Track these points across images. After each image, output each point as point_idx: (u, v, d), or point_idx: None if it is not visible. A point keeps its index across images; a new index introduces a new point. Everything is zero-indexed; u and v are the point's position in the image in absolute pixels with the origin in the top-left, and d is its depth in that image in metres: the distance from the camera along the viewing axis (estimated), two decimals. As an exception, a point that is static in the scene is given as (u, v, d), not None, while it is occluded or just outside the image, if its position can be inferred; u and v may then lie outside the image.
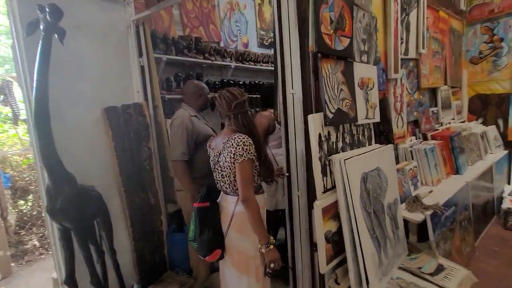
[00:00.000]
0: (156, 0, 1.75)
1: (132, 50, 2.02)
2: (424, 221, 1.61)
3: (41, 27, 1.20)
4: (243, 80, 3.62)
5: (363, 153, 1.39)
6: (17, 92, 2.73)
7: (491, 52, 3.10)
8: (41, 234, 3.05)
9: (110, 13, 1.90)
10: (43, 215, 3.19)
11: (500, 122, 3.11)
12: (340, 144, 1.42)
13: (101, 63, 1.86)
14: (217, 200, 1.41)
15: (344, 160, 1.27)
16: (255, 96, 3.38)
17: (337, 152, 1.40)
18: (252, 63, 3.74)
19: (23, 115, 2.86)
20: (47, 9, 1.14)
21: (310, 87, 1.38)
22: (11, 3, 1.51)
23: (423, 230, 1.71)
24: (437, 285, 1.33)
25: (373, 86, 1.58)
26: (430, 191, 1.91)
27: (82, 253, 1.47)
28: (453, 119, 3.02)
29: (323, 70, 1.26)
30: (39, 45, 1.22)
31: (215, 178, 1.40)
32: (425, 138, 2.43)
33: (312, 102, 1.38)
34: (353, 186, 1.28)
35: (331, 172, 1.37)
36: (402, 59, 2.08)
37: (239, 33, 3.80)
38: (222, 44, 3.52)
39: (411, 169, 1.95)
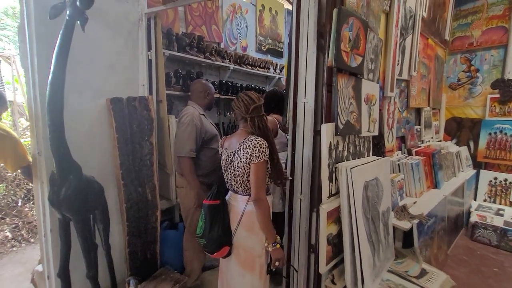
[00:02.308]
0: (175, -3, 1.76)
1: (141, 43, 2.00)
2: (410, 229, 1.76)
3: (68, 12, 1.18)
4: (240, 82, 3.68)
5: (366, 163, 1.51)
6: (4, 72, 2.56)
7: (468, 80, 3.44)
8: (14, 225, 2.86)
9: (124, 3, 1.88)
10: (14, 204, 2.99)
11: (471, 144, 3.44)
12: (345, 153, 1.53)
13: (110, 53, 1.83)
14: (226, 199, 1.45)
15: (351, 168, 1.37)
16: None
17: (342, 161, 1.51)
18: (250, 67, 3.81)
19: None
20: (78, -4, 1.13)
21: (322, 98, 1.48)
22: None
23: (406, 237, 1.87)
24: (422, 287, 1.47)
25: (375, 102, 1.72)
26: (415, 202, 2.08)
27: (81, 245, 1.43)
28: (432, 137, 3.29)
29: (338, 84, 1.36)
30: (62, 30, 1.20)
31: (225, 177, 1.44)
32: (409, 153, 2.63)
33: (323, 112, 1.48)
34: (357, 193, 1.39)
35: (336, 178, 1.47)
36: (396, 80, 2.26)
37: (239, 36, 3.87)
38: (222, 45, 3.56)
39: (398, 181, 2.12)
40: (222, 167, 1.45)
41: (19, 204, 2.94)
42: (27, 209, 2.99)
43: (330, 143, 1.39)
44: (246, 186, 1.35)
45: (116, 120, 1.80)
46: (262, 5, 4.23)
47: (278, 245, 1.33)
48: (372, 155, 1.90)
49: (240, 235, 1.36)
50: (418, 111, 2.97)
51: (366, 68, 1.59)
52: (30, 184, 3.02)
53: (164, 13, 2.78)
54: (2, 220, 2.85)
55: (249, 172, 1.31)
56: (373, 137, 1.93)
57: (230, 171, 1.39)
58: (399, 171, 2.25)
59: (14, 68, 2.80)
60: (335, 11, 1.30)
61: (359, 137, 1.66)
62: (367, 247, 1.41)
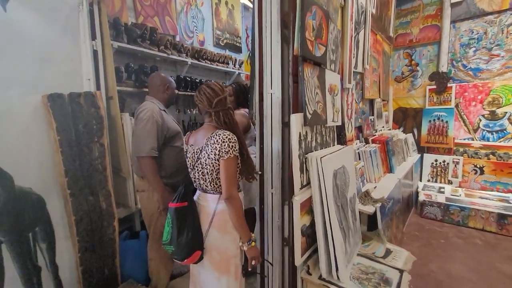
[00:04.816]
0: (121, -21, 1.56)
1: (83, 30, 1.74)
2: (374, 213, 1.86)
3: (-20, -16, 0.94)
4: (199, 78, 3.52)
5: (333, 152, 1.54)
6: None
7: (410, 73, 3.80)
8: None
9: (57, -17, 1.61)
10: None
11: (415, 131, 3.82)
12: (313, 144, 1.53)
13: (44, 41, 1.55)
14: (194, 199, 1.34)
15: (320, 158, 1.38)
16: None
17: (311, 151, 1.51)
18: (208, 62, 3.67)
19: None
20: (-6, -36, 0.91)
21: (288, 88, 1.46)
22: None
23: (370, 220, 1.98)
24: (389, 265, 1.55)
25: (337, 93, 1.76)
26: (375, 187, 2.21)
27: (18, 271, 1.19)
28: (383, 127, 3.57)
29: (305, 73, 1.35)
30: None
31: (192, 176, 1.33)
32: (366, 141, 2.80)
33: (290, 103, 1.46)
34: (327, 182, 1.40)
35: (306, 169, 1.46)
36: (353, 72, 2.36)
37: (196, 29, 3.69)
38: (178, 39, 3.35)
39: (360, 168, 2.23)
40: (188, 166, 1.34)
41: None
42: None
43: (300, 133, 1.37)
44: (216, 184, 1.27)
45: (57, 120, 1.54)
46: (218, -2, 4.09)
47: (253, 243, 1.27)
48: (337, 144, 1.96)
49: (213, 236, 1.27)
50: (371, 102, 3.17)
51: (329, 59, 1.62)
52: None
53: (110, 0, 2.49)
54: None
55: (219, 169, 1.23)
56: (336, 127, 1.99)
57: (197, 169, 1.29)
58: (359, 159, 2.37)
59: None
60: (298, -2, 1.27)
61: (325, 127, 1.69)
62: (339, 234, 1.44)
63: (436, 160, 3.61)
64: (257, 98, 1.55)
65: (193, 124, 3.43)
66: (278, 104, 1.45)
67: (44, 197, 1.49)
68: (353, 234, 1.67)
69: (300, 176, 1.42)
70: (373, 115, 3.20)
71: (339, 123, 1.84)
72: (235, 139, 1.23)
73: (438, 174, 3.59)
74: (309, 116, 1.39)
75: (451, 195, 3.15)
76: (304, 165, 1.45)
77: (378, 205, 1.85)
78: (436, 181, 3.61)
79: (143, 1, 2.91)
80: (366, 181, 2.37)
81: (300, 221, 1.38)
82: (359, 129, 2.83)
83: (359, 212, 1.85)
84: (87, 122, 1.68)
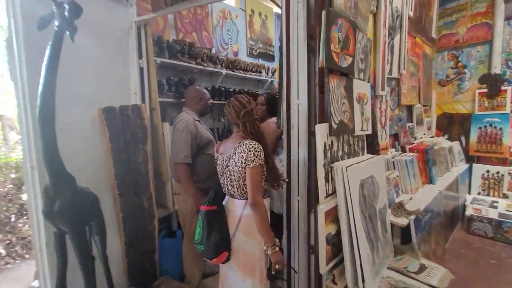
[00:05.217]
0: (164, 4, 1.76)
1: (132, 51, 2.00)
2: (407, 225, 1.77)
3: (56, 23, 1.17)
4: (233, 87, 3.69)
5: (360, 162, 1.52)
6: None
7: (456, 76, 3.51)
8: (7, 242, 2.79)
9: (113, 12, 1.87)
10: (7, 220, 2.92)
11: (463, 138, 3.50)
12: (340, 153, 1.54)
13: (100, 62, 1.82)
14: (223, 204, 1.44)
15: (346, 167, 1.38)
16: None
17: (337, 160, 1.52)
18: (242, 72, 3.83)
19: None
20: (67, 6, 1.13)
21: (314, 99, 1.49)
22: (12, -5, 1.45)
23: (404, 233, 1.89)
24: (422, 282, 1.47)
25: (367, 101, 1.74)
26: (411, 198, 2.10)
27: (78, 258, 1.40)
28: (424, 134, 3.34)
29: (330, 84, 1.38)
30: (51, 41, 1.19)
31: (222, 182, 1.44)
32: (403, 150, 2.66)
33: (316, 113, 1.49)
34: (353, 192, 1.40)
35: (332, 178, 1.48)
36: (387, 78, 2.29)
37: (230, 41, 3.89)
38: (213, 51, 3.57)
39: (394, 178, 2.14)
40: (218, 172, 1.45)
41: (12, 219, 2.88)
42: (20, 225, 2.92)
43: (325, 143, 1.40)
44: (243, 190, 1.35)
45: (110, 130, 1.79)
46: (252, 10, 4.27)
47: (277, 248, 1.32)
48: (367, 153, 1.91)
49: (239, 239, 1.36)
50: (410, 108, 3.01)
51: (357, 68, 1.62)
52: (23, 199, 2.96)
53: (154, 21, 2.78)
54: (-5, 237, 2.79)
55: (245, 176, 1.31)
56: (367, 135, 1.95)
57: (226, 176, 1.39)
58: (394, 168, 2.27)
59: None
60: (323, 12, 1.32)
61: (353, 136, 1.68)
62: (366, 245, 1.42)
63: (488, 171, 3.25)
64: (284, 108, 1.61)
65: (226, 131, 3.60)
66: (304, 115, 1.49)
67: (98, 196, 1.72)
68: (383, 246, 1.62)
69: (325, 185, 1.44)
70: (411, 122, 3.03)
71: (369, 132, 1.80)
72: (260, 148, 1.30)
73: (491, 186, 3.23)
74: (334, 126, 1.41)
75: (506, 210, 2.81)
76: (330, 174, 1.47)
77: (412, 217, 1.77)
78: (488, 195, 3.24)
79: (183, 18, 3.18)
80: (402, 191, 2.26)
81: (324, 229, 1.40)
82: (395, 137, 2.70)
83: (391, 224, 1.79)
84: (133, 131, 1.90)
